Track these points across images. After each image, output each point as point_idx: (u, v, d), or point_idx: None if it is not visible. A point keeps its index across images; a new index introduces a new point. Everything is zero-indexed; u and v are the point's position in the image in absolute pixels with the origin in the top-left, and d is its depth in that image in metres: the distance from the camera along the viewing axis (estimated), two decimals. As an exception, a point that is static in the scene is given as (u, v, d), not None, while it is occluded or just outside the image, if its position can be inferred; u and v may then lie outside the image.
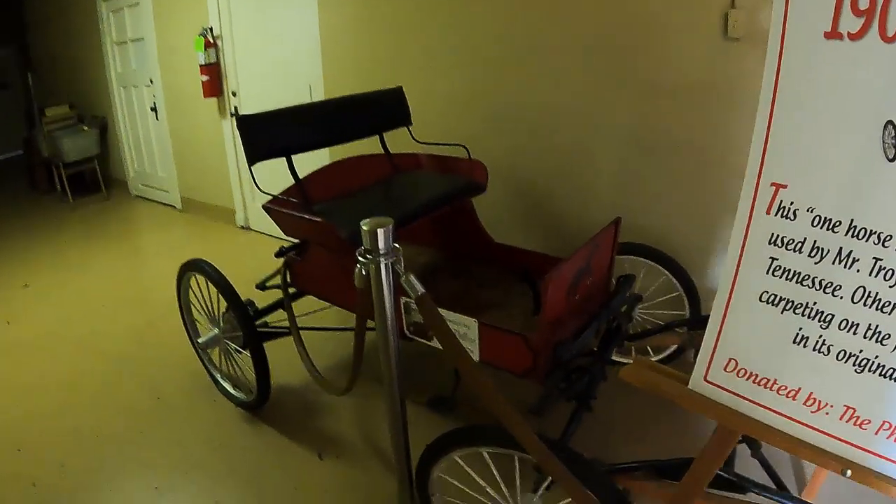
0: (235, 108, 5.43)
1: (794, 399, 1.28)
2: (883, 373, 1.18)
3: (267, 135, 2.60)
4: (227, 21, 5.24)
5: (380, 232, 1.64)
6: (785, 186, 1.21)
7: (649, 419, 2.90)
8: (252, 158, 2.54)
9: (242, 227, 5.92)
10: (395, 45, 4.05)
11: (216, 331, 3.02)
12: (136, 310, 4.41)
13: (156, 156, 6.95)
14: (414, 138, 3.26)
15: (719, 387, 1.39)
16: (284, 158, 2.62)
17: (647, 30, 3.08)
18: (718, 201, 3.12)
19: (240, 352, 2.98)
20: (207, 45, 5.26)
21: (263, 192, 2.61)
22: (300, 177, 2.65)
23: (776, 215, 1.23)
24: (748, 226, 1.28)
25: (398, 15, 3.97)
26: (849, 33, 1.08)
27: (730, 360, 1.36)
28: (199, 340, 3.07)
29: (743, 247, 1.30)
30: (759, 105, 1.21)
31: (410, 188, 2.91)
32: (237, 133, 5.45)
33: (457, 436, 1.85)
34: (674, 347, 3.22)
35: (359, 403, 3.14)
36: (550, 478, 1.71)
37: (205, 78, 5.34)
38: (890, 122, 1.07)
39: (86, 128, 7.65)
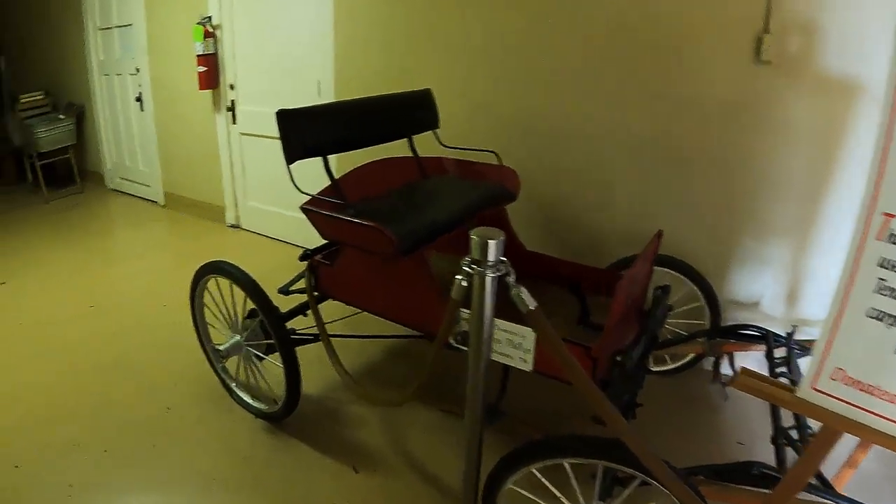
0: (232, 102, 5.39)
1: (894, 403, 1.45)
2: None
3: (306, 132, 2.59)
4: (227, 10, 5.20)
5: (491, 244, 1.64)
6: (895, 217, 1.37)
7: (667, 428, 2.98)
8: (291, 156, 2.53)
9: (232, 226, 5.88)
10: (416, 43, 4.06)
11: (237, 337, 2.97)
12: (125, 311, 4.31)
13: (137, 148, 6.85)
14: (441, 142, 3.24)
15: (826, 394, 1.53)
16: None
17: (679, 47, 3.19)
18: (740, 216, 3.24)
19: (260, 359, 2.93)
20: (206, 34, 5.18)
21: (302, 193, 2.56)
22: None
23: (886, 241, 1.39)
24: (859, 250, 1.42)
25: (420, 12, 3.98)
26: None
27: (837, 369, 1.51)
28: (221, 348, 3.00)
29: (854, 269, 1.44)
30: (875, 140, 1.34)
31: (443, 194, 2.92)
32: (232, 127, 5.45)
33: (542, 447, 1.88)
34: (692, 356, 3.34)
35: (386, 412, 3.13)
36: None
37: (202, 69, 5.27)
38: None
39: (61, 116, 7.50)
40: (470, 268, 1.71)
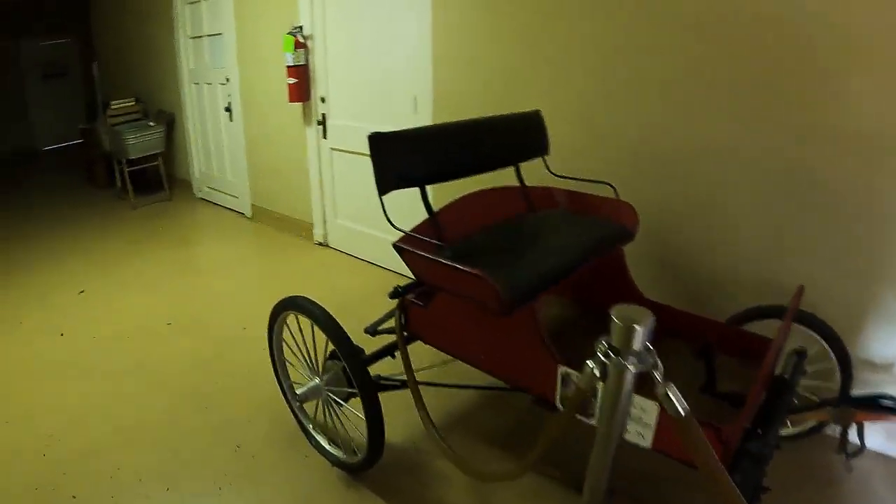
0: (323, 116, 5.18)
1: None
2: None
3: (402, 160, 2.31)
4: (319, 20, 5.01)
5: (638, 330, 1.29)
6: None
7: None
8: (384, 187, 2.26)
9: (320, 244, 5.67)
10: (521, 61, 3.75)
11: (317, 381, 2.72)
12: (202, 333, 4.15)
13: (226, 159, 6.75)
14: (550, 171, 2.92)
15: None
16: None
17: (839, 70, 2.70)
18: (886, 267, 2.76)
19: (341, 405, 2.67)
20: (297, 45, 4.99)
21: (396, 228, 2.27)
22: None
23: None
24: None
25: (526, 28, 3.66)
26: None
27: None
28: (298, 392, 2.76)
29: None
30: None
31: (554, 232, 2.60)
32: (322, 142, 5.25)
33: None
34: (815, 423, 2.91)
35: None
36: None
37: (292, 81, 5.09)
38: None
39: (152, 123, 7.47)
40: (606, 355, 1.37)
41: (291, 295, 2.75)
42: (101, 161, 8.39)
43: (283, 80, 5.31)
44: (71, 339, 4.12)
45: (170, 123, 7.63)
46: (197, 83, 6.96)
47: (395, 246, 2.37)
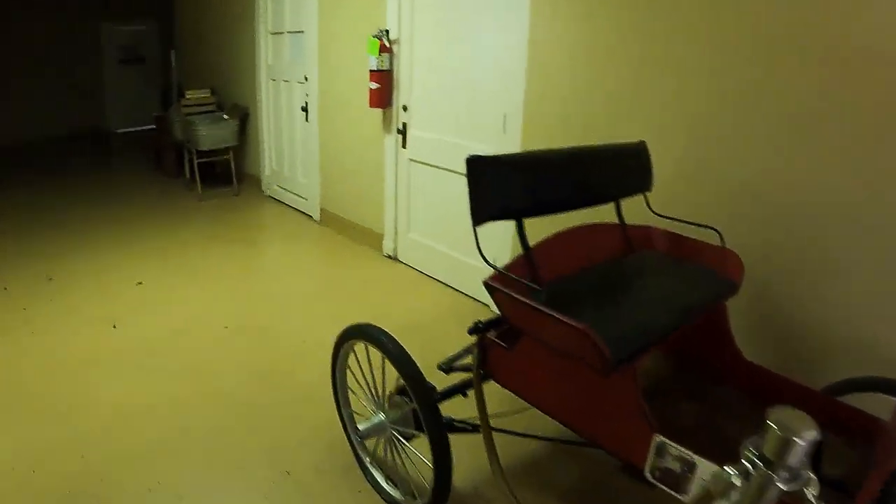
0: (404, 125, 5.02)
1: None
2: None
3: (502, 187, 2.10)
4: (407, 24, 4.85)
5: (798, 445, 1.03)
6: None
7: None
8: (480, 216, 2.05)
9: (389, 257, 5.50)
10: (622, 86, 3.51)
11: (381, 417, 2.52)
12: (260, 341, 4.00)
13: (298, 159, 6.65)
14: (651, 209, 2.70)
15: None
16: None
17: None
18: None
19: (405, 443, 2.47)
20: (382, 49, 4.83)
21: (490, 266, 2.07)
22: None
23: None
24: None
25: (638, 50, 3.40)
26: None
27: None
28: (361, 428, 2.56)
29: None
30: None
31: (656, 279, 2.38)
32: (401, 152, 5.09)
33: None
34: None
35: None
36: None
37: (374, 86, 4.93)
38: None
39: (225, 116, 7.42)
40: (752, 464, 1.11)
41: (362, 322, 2.58)
42: (172, 149, 8.40)
43: (365, 84, 5.19)
44: (123, 333, 4.05)
45: (243, 118, 7.57)
46: (274, 80, 6.89)
47: (485, 284, 2.16)
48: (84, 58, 12.66)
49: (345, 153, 5.87)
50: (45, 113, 12.28)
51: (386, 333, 2.45)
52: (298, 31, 6.26)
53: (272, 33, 6.82)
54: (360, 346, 2.67)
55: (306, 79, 6.19)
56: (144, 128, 13.13)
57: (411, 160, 5.11)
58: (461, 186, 4.50)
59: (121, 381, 3.49)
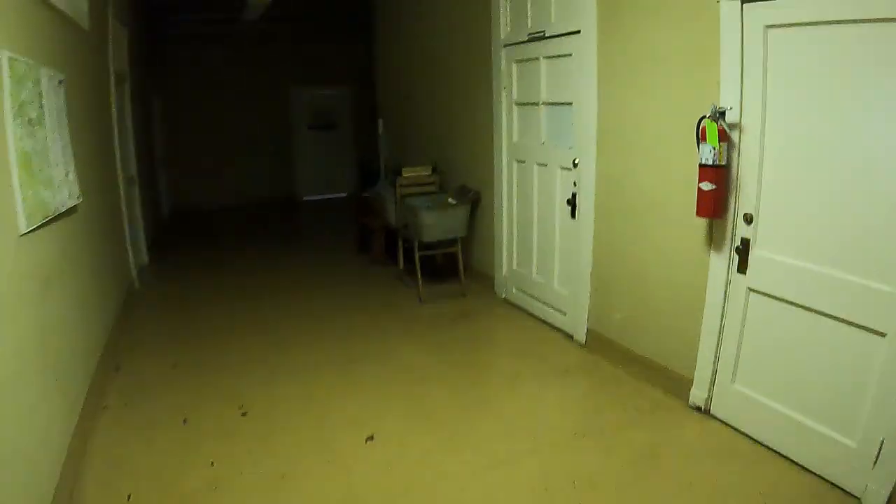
0: (744, 242, 3.61)
1: None
2: None
3: None
4: (754, 102, 3.47)
5: None
6: None
7: None
8: None
9: (697, 409, 4.04)
10: None
11: None
12: None
13: (555, 262, 5.35)
14: None
15: None
16: None
17: None
18: None
19: None
20: (721, 136, 3.43)
21: None
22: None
23: None
24: None
25: None
26: None
27: None
28: None
29: None
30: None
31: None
32: (736, 277, 3.62)
33: None
34: None
35: None
36: None
37: (708, 186, 3.56)
38: None
39: (452, 201, 6.23)
40: None
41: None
42: (380, 233, 7.38)
43: (679, 182, 3.90)
44: None
45: (474, 203, 6.35)
46: (522, 161, 5.64)
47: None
48: (274, 123, 12.19)
49: (638, 266, 4.49)
50: (243, 181, 12.11)
51: None
52: (563, 103, 4.99)
53: (519, 104, 5.59)
54: None
55: (575, 165, 4.88)
56: (332, 196, 12.50)
57: (752, 290, 3.64)
58: (842, 337, 3.13)
59: None
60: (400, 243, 6.79)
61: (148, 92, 9.57)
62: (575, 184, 4.93)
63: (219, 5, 9.24)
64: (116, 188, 6.08)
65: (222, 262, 8.04)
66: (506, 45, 5.66)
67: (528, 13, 5.28)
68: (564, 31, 4.85)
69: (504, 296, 6.18)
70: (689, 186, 3.77)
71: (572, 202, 4.96)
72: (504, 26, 5.65)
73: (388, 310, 5.97)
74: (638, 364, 4.53)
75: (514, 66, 5.58)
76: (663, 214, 4.16)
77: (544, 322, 5.57)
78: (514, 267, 5.99)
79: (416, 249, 6.14)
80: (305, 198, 12.89)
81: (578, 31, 4.67)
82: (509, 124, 5.74)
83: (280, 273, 7.36)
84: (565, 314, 5.28)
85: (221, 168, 11.87)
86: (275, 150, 12.32)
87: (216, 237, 9.81)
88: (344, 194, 12.91)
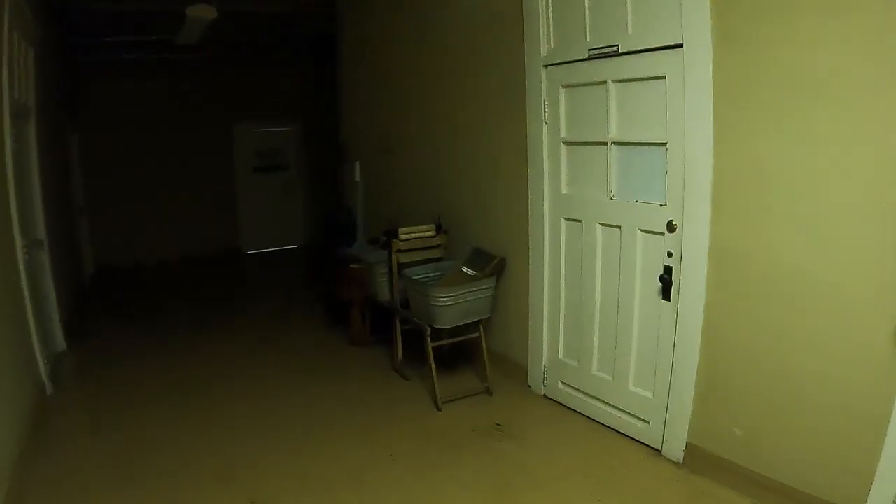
0: None
1: None
2: None
3: None
4: None
5: None
6: None
7: None
8: None
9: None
10: None
11: None
12: None
13: (632, 356, 4.06)
14: None
15: None
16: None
17: None
18: None
19: None
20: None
21: None
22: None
23: None
24: None
25: None
26: None
27: None
28: None
29: None
30: None
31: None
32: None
33: None
34: None
35: None
36: None
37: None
38: None
39: (468, 270, 4.89)
40: None
41: None
42: (365, 308, 5.97)
43: (862, 260, 2.82)
44: None
45: (498, 272, 5.00)
46: (575, 220, 4.34)
47: None
48: (215, 165, 10.73)
49: (778, 369, 3.24)
50: (178, 232, 10.61)
51: None
52: (648, 144, 3.73)
53: (570, 143, 4.30)
54: None
55: (672, 228, 3.61)
56: (281, 249, 11.10)
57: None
58: None
59: None
60: (397, 325, 5.38)
61: (63, 128, 7.99)
62: (670, 254, 3.66)
63: (151, 26, 7.80)
64: (12, 260, 4.46)
65: (165, 339, 6.42)
66: (548, 66, 4.37)
67: (587, 22, 4.02)
68: (654, 46, 3.61)
69: (543, 392, 4.83)
70: (879, 268, 2.70)
71: (667, 279, 3.67)
72: (544, 40, 4.37)
73: (392, 423, 4.51)
74: (767, 487, 3.33)
75: (563, 93, 4.31)
76: (831, 306, 2.97)
77: (609, 428, 4.24)
78: (560, 357, 4.65)
79: (428, 340, 4.74)
80: (249, 251, 11.37)
81: (680, 45, 3.44)
82: (554, 170, 4.44)
83: (237, 364, 5.66)
84: (648, 423, 3.96)
85: (155, 217, 10.26)
86: (215, 195, 10.80)
87: (151, 303, 8.19)
88: (294, 246, 11.47)
